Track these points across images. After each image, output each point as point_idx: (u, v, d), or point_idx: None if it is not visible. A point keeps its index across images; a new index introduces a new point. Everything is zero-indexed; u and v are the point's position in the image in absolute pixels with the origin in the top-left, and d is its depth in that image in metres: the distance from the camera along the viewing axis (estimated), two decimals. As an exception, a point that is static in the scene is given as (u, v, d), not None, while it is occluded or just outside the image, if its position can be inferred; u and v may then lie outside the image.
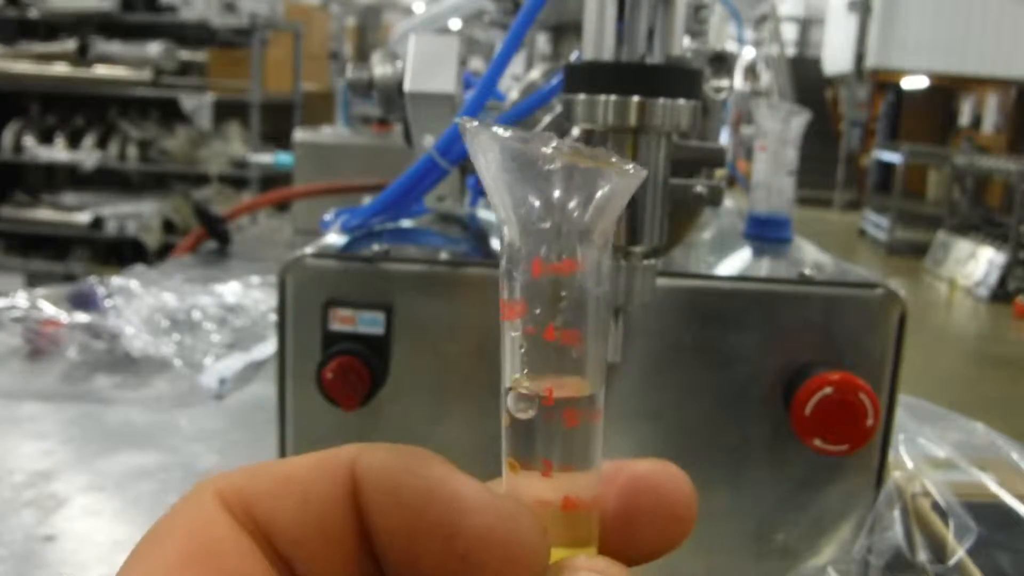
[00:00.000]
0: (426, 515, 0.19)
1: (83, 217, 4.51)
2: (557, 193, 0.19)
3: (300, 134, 2.04)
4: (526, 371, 0.20)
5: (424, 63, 0.68)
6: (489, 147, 0.19)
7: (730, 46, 0.70)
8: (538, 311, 0.20)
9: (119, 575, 0.19)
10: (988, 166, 7.50)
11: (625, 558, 0.21)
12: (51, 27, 4.56)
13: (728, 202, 1.05)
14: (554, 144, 0.19)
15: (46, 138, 4.57)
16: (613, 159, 0.20)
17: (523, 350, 0.20)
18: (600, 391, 0.21)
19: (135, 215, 4.50)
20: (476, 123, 0.20)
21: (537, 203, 0.19)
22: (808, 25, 14.13)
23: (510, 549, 0.19)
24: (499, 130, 0.19)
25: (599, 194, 0.19)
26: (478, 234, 0.75)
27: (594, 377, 0.21)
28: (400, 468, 0.19)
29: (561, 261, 0.20)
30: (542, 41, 0.71)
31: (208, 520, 0.19)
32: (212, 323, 1.17)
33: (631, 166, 0.20)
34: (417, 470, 0.19)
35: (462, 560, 0.18)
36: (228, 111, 4.48)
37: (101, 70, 4.40)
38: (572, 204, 0.19)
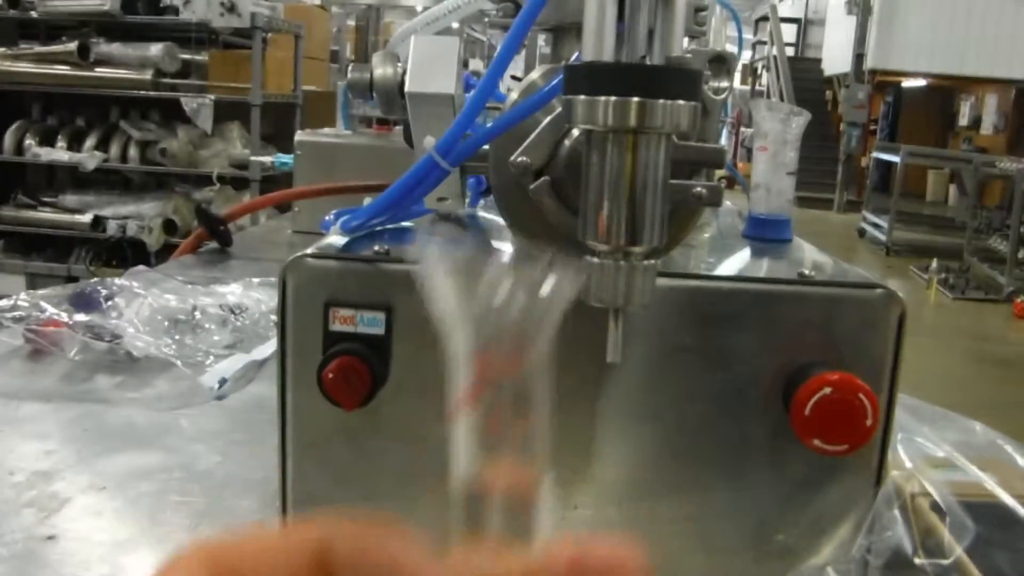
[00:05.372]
0: None
1: (84, 218, 4.51)
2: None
3: (301, 135, 2.03)
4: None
5: (424, 64, 0.68)
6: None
7: (730, 47, 0.70)
8: None
9: None
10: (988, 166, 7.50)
11: None
12: (52, 28, 4.56)
13: (727, 202, 1.05)
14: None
15: (47, 139, 4.57)
16: None
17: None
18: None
19: (136, 216, 4.50)
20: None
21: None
22: (808, 26, 14.12)
23: None
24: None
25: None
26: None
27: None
28: (368, 543, 0.23)
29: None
30: (542, 42, 0.71)
31: None
32: (213, 323, 1.17)
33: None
34: (381, 545, 0.23)
35: None
36: (229, 112, 4.48)
37: (102, 71, 4.40)
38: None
